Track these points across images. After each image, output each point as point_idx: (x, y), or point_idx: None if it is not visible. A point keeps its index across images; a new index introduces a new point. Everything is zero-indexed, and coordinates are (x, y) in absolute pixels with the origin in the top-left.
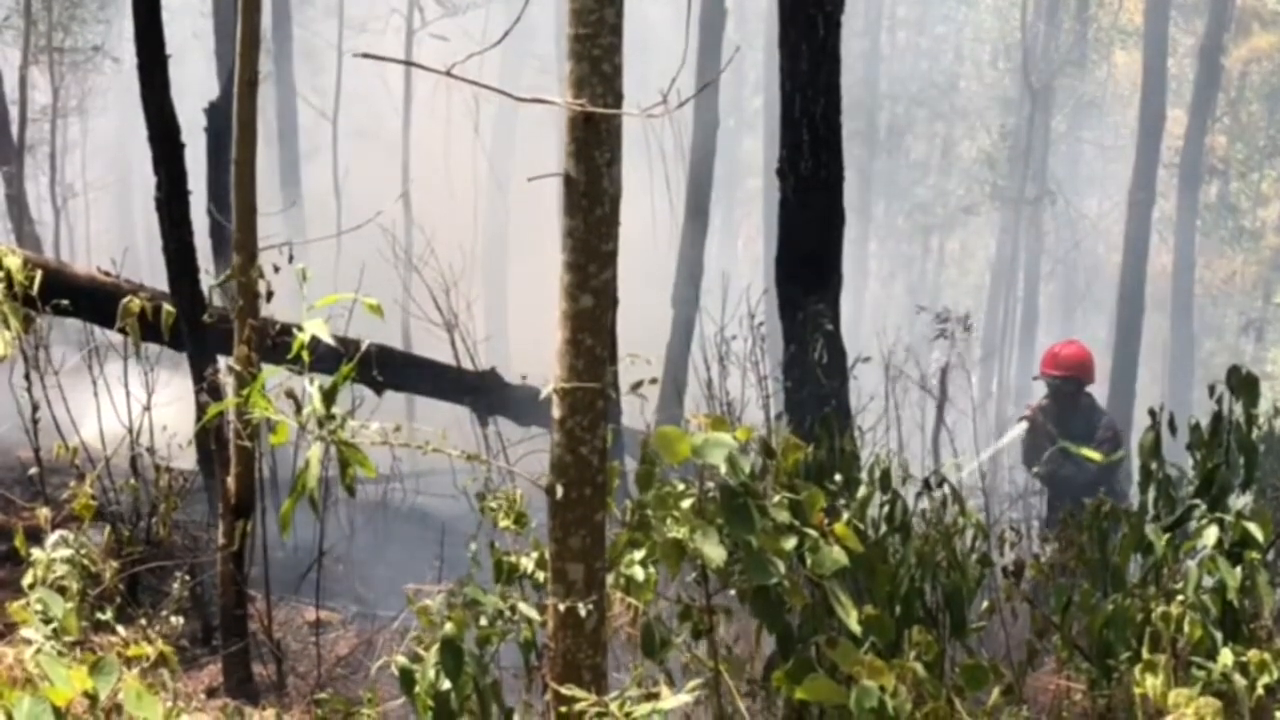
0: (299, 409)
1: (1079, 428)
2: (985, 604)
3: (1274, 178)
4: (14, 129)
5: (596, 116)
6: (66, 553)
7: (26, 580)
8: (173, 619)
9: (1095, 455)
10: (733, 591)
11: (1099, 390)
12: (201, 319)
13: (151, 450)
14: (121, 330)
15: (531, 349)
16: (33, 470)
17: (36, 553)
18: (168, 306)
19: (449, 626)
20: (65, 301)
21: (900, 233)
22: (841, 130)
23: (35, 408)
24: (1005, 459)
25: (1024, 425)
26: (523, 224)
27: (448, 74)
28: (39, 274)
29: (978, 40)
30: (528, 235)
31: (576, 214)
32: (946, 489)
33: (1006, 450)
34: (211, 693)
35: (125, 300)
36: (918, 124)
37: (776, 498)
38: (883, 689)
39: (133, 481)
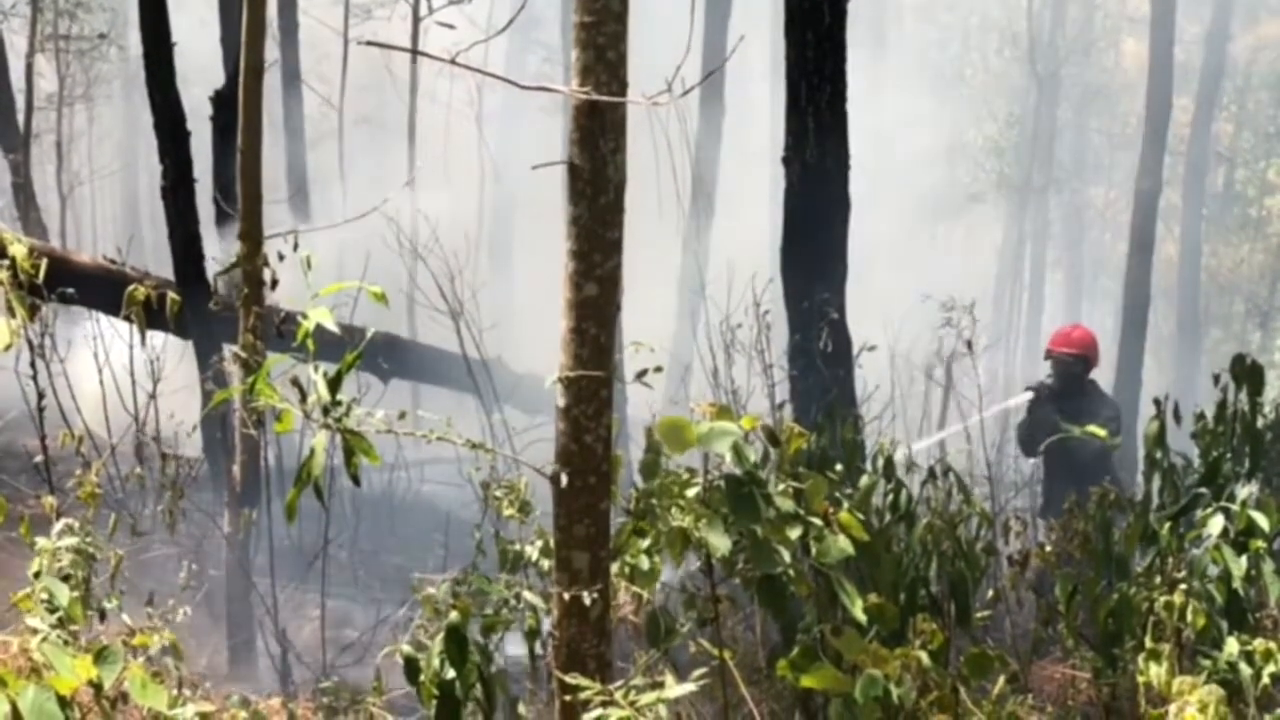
0: (304, 397)
1: (1082, 410)
2: (990, 593)
3: None
4: (20, 117)
5: (601, 104)
6: (71, 541)
7: (31, 569)
8: (179, 607)
9: (1100, 432)
10: (737, 580)
11: (1104, 378)
12: (207, 307)
13: (157, 439)
14: (126, 318)
15: (539, 337)
16: (38, 458)
17: (41, 541)
18: (172, 294)
19: (454, 615)
20: (71, 290)
21: (906, 221)
22: (847, 118)
23: (41, 395)
24: (1010, 448)
25: (1029, 395)
26: (530, 212)
27: (453, 62)
28: (45, 261)
29: (984, 29)
30: (535, 223)
31: (581, 202)
32: (951, 477)
33: (1010, 417)
34: (217, 680)
35: (130, 288)
36: (924, 112)
37: (781, 486)
38: (887, 678)
39: (139, 469)
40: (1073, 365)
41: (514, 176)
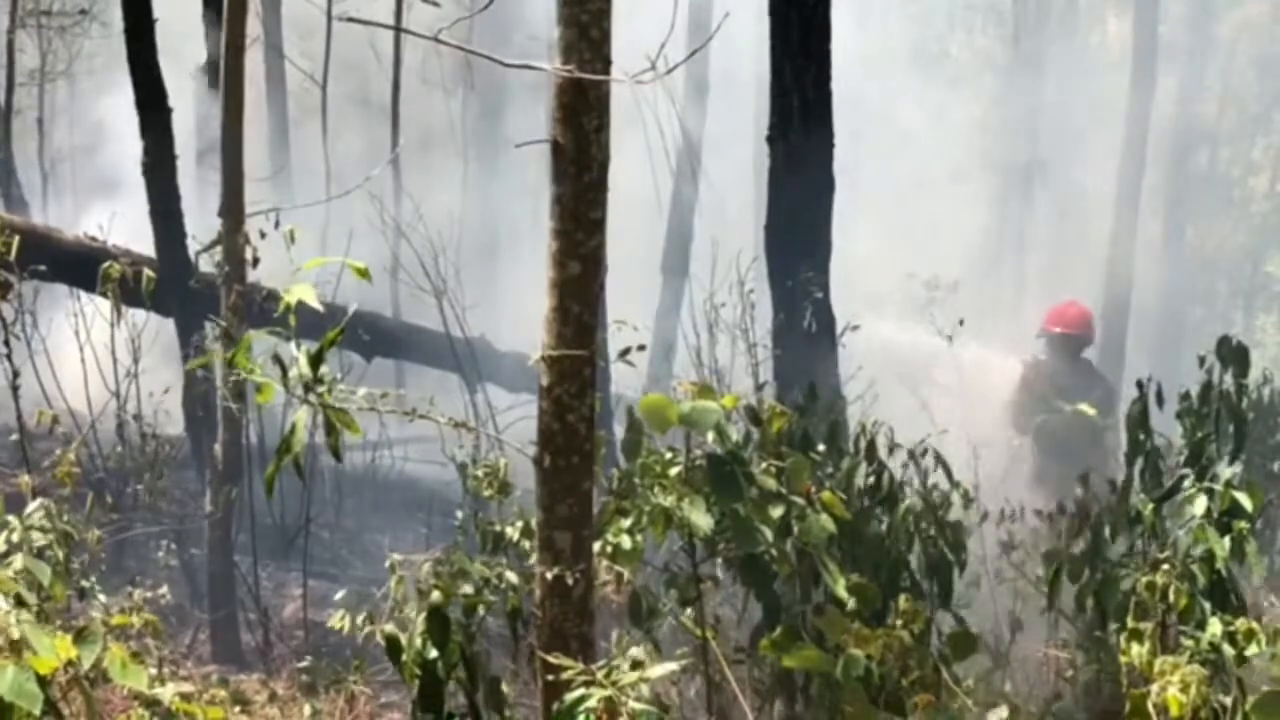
0: (285, 374)
1: (1076, 388)
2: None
3: (1265, 146)
4: (1, 94)
5: (585, 82)
6: (40, 518)
7: (1, 546)
8: (159, 587)
9: (1090, 411)
10: (720, 559)
11: (1088, 357)
12: (188, 285)
13: (138, 417)
14: (103, 294)
15: (524, 315)
16: (14, 436)
17: (12, 519)
18: (149, 271)
19: (435, 595)
20: (44, 267)
21: (890, 200)
22: (832, 97)
23: (16, 374)
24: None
25: (1019, 368)
26: (516, 190)
27: (436, 39)
28: (18, 239)
29: (969, 6)
30: (521, 202)
31: (564, 180)
32: (932, 458)
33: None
34: (199, 659)
35: (105, 265)
36: (908, 91)
37: (764, 466)
38: (869, 658)
39: (119, 448)
40: (1068, 344)
41: (500, 154)
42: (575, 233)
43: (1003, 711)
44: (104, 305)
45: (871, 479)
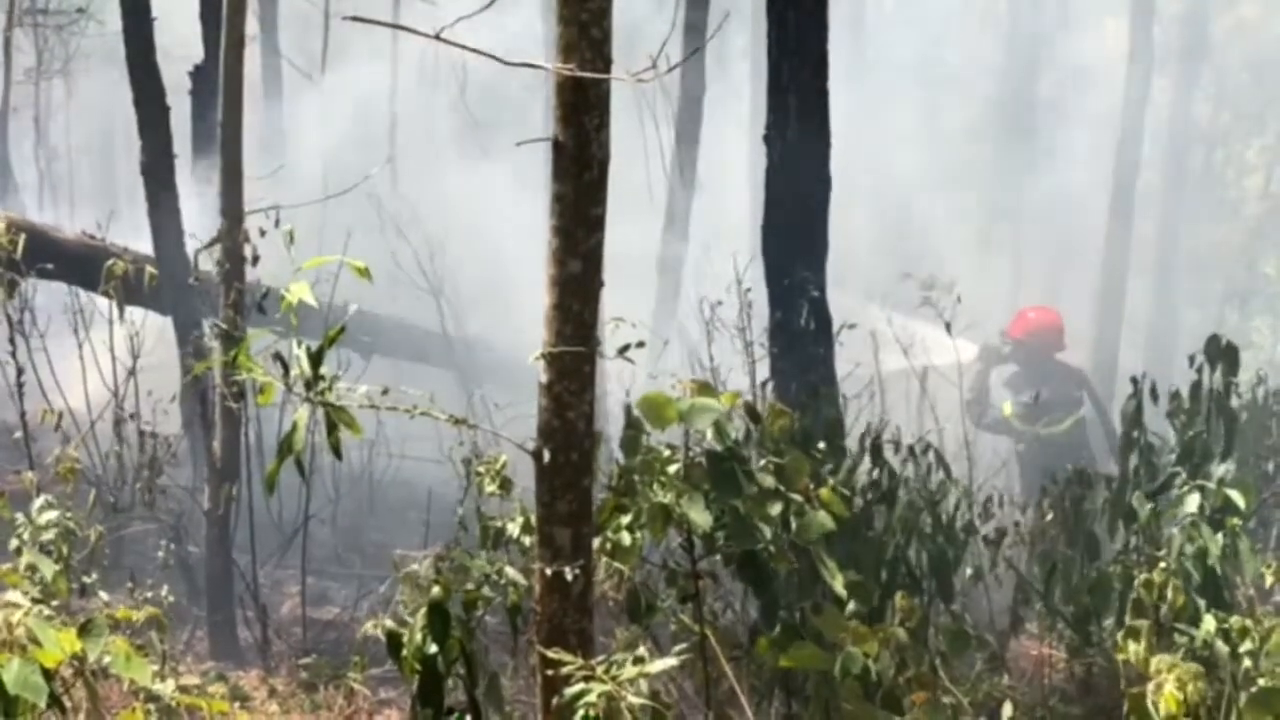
0: (286, 372)
1: (1017, 388)
2: (969, 571)
3: (1260, 147)
4: None
5: (585, 81)
6: (52, 515)
7: (12, 544)
8: (160, 585)
9: (1007, 409)
10: (719, 556)
11: (1081, 357)
12: (187, 283)
13: (136, 415)
14: (105, 293)
15: (524, 314)
16: (17, 434)
17: (19, 516)
18: (150, 269)
19: (436, 590)
20: (51, 265)
21: (887, 200)
22: (829, 97)
23: (20, 372)
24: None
25: (975, 352)
26: (515, 189)
27: (436, 38)
28: (23, 237)
29: (965, 7)
30: (520, 201)
31: (565, 179)
32: (932, 456)
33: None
34: (197, 656)
35: (108, 263)
36: (904, 90)
37: (762, 463)
38: (866, 655)
39: (117, 447)
40: (1021, 349)
41: (498, 153)
42: (576, 230)
43: (1008, 709)
44: (102, 303)
45: (873, 476)
